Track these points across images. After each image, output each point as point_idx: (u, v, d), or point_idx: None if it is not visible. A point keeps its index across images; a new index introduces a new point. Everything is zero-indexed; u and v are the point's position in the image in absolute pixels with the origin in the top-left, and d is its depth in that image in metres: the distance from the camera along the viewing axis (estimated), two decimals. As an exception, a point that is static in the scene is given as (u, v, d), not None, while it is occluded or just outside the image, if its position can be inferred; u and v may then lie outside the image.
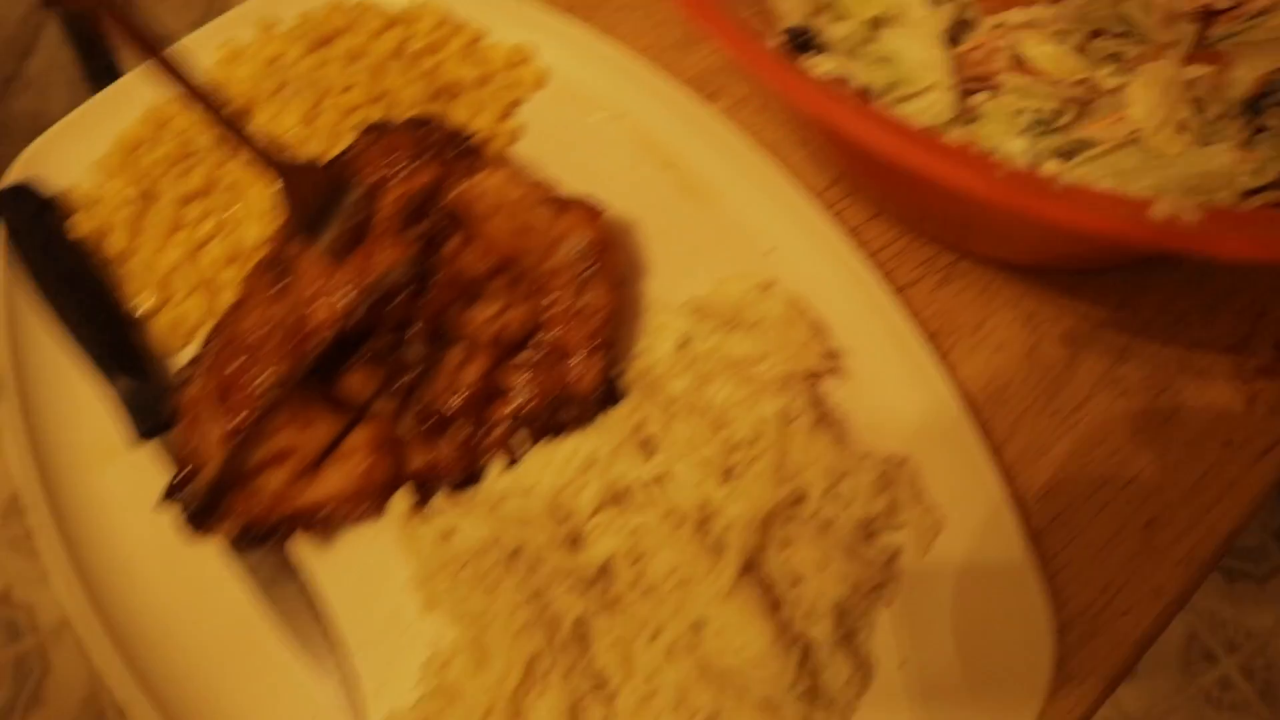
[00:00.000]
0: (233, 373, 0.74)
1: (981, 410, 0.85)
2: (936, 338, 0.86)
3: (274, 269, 0.76)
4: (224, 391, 0.74)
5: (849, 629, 0.76)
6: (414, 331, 0.78)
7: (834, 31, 0.84)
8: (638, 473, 0.75)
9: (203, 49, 1.00)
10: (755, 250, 0.90)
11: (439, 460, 0.80)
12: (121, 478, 0.85)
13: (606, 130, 0.96)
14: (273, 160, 0.72)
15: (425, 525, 0.76)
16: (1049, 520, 0.82)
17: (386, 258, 0.74)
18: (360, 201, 0.76)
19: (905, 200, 0.88)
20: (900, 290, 0.87)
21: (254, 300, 0.76)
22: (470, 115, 0.94)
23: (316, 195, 0.74)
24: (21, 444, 0.85)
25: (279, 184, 0.73)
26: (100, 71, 2.67)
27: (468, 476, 0.80)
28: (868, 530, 0.78)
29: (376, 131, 0.82)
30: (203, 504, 0.75)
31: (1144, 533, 0.82)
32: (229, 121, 0.71)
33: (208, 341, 0.79)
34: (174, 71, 0.72)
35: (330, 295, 0.74)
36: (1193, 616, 2.02)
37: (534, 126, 0.97)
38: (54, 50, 2.78)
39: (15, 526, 2.27)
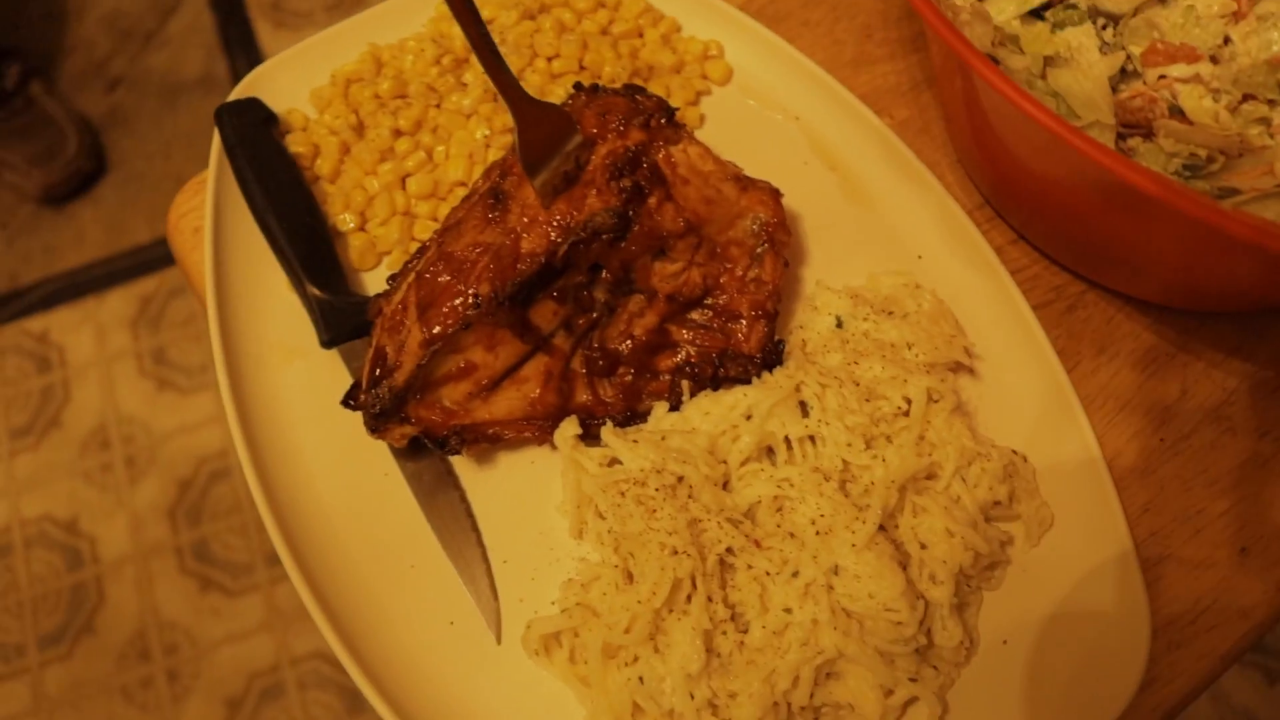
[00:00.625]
0: (440, 287, 0.82)
1: (1096, 428, 0.91)
2: (1061, 356, 0.93)
3: (492, 198, 0.83)
4: (428, 302, 0.82)
5: (962, 600, 0.83)
6: (603, 276, 0.85)
7: (1014, 63, 0.92)
8: (791, 429, 0.82)
9: (420, 6, 1.08)
10: (906, 253, 0.97)
11: (602, 399, 0.88)
12: (302, 377, 0.93)
13: (781, 129, 1.04)
14: (518, 95, 0.80)
15: (592, 450, 0.84)
16: (1147, 535, 0.89)
17: (595, 202, 0.82)
18: (579, 149, 0.84)
19: (1049, 226, 0.96)
20: (1033, 310, 0.94)
21: (469, 224, 0.83)
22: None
23: (544, 137, 0.81)
24: (214, 337, 0.92)
25: (516, 120, 0.80)
26: (236, 38, 2.79)
27: (628, 416, 0.87)
28: (988, 514, 0.85)
29: (587, 94, 0.90)
30: (390, 404, 0.82)
31: (1238, 558, 0.88)
32: (492, 47, 0.79)
33: (414, 258, 0.87)
34: None
35: (540, 230, 0.82)
36: (1227, 710, 2.05)
37: (715, 116, 1.06)
38: (196, 14, 2.90)
39: (91, 459, 2.35)
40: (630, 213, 0.83)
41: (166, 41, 2.87)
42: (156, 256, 2.57)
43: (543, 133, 0.82)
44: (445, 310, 0.81)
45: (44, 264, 2.59)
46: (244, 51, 2.79)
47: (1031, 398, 0.91)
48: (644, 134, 0.86)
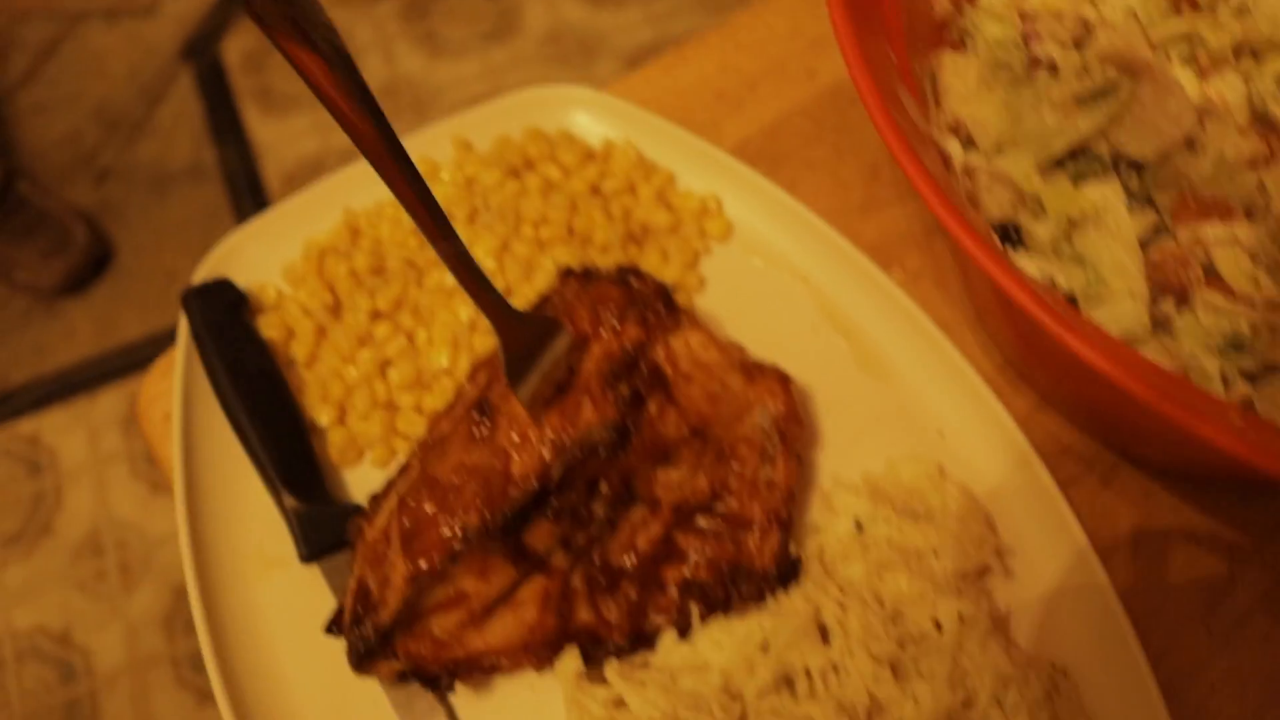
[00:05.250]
0: (424, 517, 0.75)
1: (1139, 620, 0.84)
2: (1095, 539, 0.86)
3: (478, 411, 0.77)
4: (412, 534, 0.75)
5: (1002, 837, 0.75)
6: (601, 490, 0.78)
7: (1037, 229, 0.85)
8: (812, 660, 0.75)
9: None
10: (926, 430, 0.90)
11: (604, 619, 0.81)
12: (281, 591, 0.86)
13: (787, 291, 0.97)
14: (500, 309, 0.72)
15: (597, 690, 0.76)
16: (1204, 743, 0.82)
17: (590, 415, 0.75)
18: (570, 351, 0.77)
19: (1073, 398, 0.88)
20: (1061, 486, 0.87)
21: (454, 443, 0.77)
22: (659, 262, 0.95)
23: (530, 343, 0.74)
24: (184, 542, 0.86)
25: (500, 336, 0.73)
26: (225, 125, 2.74)
27: (635, 639, 0.80)
28: (1029, 740, 0.78)
29: (579, 279, 0.83)
30: (376, 644, 0.76)
31: (1303, 769, 0.81)
32: (469, 260, 0.68)
33: (398, 475, 0.80)
34: (407, 179, 0.60)
35: (531, 449, 0.75)
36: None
37: (716, 278, 0.98)
38: (184, 101, 2.85)
39: (85, 567, 2.28)
40: (629, 424, 0.76)
41: (154, 131, 2.81)
42: (148, 355, 2.51)
43: (528, 339, 0.74)
44: (430, 543, 0.74)
45: (33, 364, 2.53)
46: (233, 138, 2.73)
47: (1070, 596, 0.83)
48: (641, 329, 0.79)
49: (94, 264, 2.61)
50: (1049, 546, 0.85)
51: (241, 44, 2.95)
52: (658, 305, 0.81)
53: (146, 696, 2.15)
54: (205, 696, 2.15)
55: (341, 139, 2.62)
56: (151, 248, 2.66)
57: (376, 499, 0.80)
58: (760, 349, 0.89)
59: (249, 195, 2.61)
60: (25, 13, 2.93)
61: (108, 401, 2.46)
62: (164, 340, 2.52)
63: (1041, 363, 0.88)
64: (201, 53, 2.91)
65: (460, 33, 2.96)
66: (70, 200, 2.66)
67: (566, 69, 2.86)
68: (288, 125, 2.78)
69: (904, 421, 0.91)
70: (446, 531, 0.74)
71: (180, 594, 2.24)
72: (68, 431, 2.44)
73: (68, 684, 2.18)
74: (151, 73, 2.90)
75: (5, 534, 2.33)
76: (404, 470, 0.80)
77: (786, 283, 0.97)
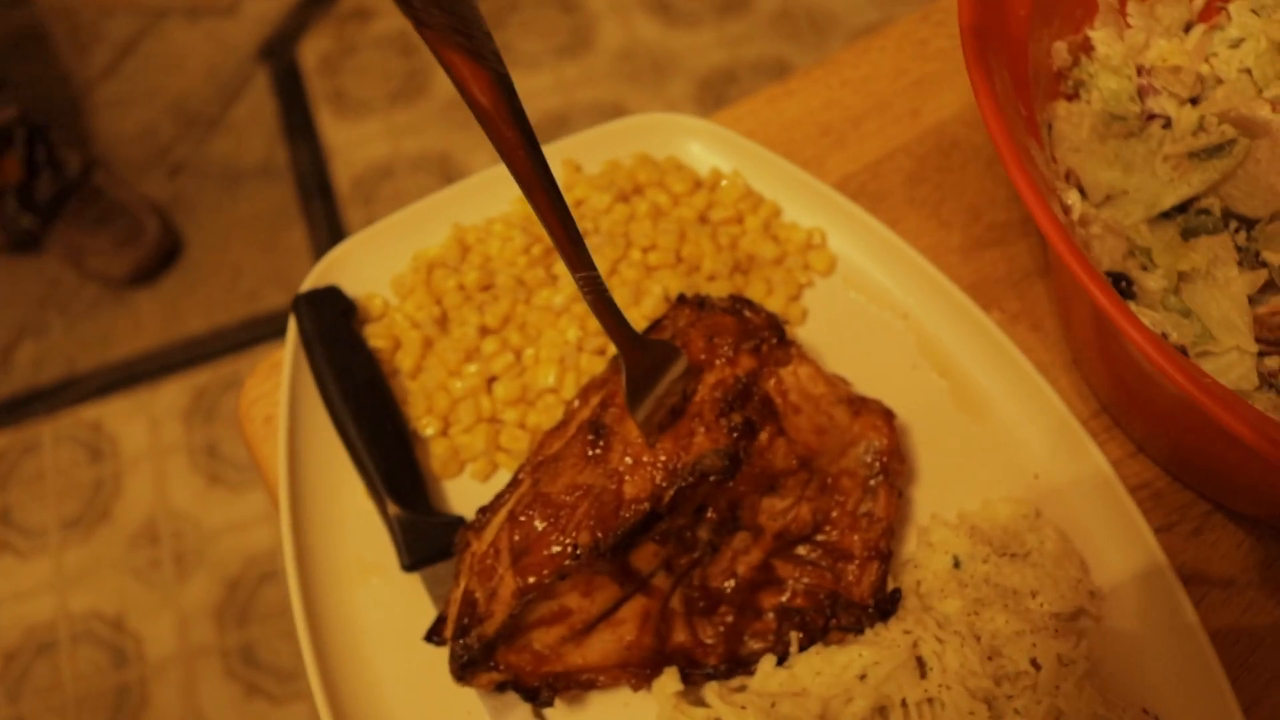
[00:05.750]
0: (535, 533, 0.76)
1: (1230, 670, 0.84)
2: (1188, 586, 0.86)
3: (592, 433, 0.78)
4: (522, 549, 0.76)
5: None
6: (708, 516, 0.79)
7: (1146, 281, 0.85)
8: (909, 693, 0.76)
9: (504, 182, 1.03)
10: (1022, 472, 0.91)
11: (700, 641, 0.82)
12: (380, 596, 0.88)
13: (887, 327, 0.98)
14: (623, 331, 0.73)
15: (694, 710, 0.78)
16: (1291, 799, 0.82)
17: (703, 442, 0.77)
18: (685, 377, 0.78)
19: (1172, 447, 0.89)
20: (1154, 533, 0.87)
21: (567, 462, 0.78)
22: (763, 293, 0.96)
23: (646, 369, 0.76)
24: (287, 544, 0.87)
25: (625, 363, 0.74)
26: (298, 126, 2.78)
27: (731, 662, 0.81)
28: (1121, 788, 0.78)
29: (692, 307, 0.85)
30: (479, 654, 0.77)
31: (1393, 830, 0.81)
32: (598, 282, 0.68)
33: (507, 490, 0.81)
34: (549, 195, 0.60)
35: (644, 472, 0.76)
36: None
37: (817, 311, 1.00)
38: (259, 100, 2.90)
39: (141, 555, 2.31)
40: (741, 452, 0.77)
41: (229, 128, 2.86)
42: (212, 349, 2.55)
43: (648, 364, 0.76)
44: (541, 559, 0.75)
45: (100, 351, 2.57)
46: (305, 139, 2.77)
47: (1159, 643, 0.84)
48: (754, 360, 0.81)
49: (163, 256, 2.67)
50: (1141, 591, 0.85)
51: (318, 47, 3.00)
52: (770, 337, 0.83)
53: (195, 686, 2.18)
54: (253, 689, 2.18)
55: (410, 147, 2.68)
56: (220, 243, 2.70)
57: (484, 512, 0.82)
58: (859, 383, 0.90)
59: (318, 196, 2.65)
60: (110, 8, 2.98)
61: (170, 393, 2.50)
62: (228, 335, 2.56)
63: (1141, 409, 0.89)
64: (279, 54, 2.96)
65: (534, 46, 2.99)
66: (144, 192, 2.71)
67: (637, 88, 2.88)
68: (359, 129, 2.83)
69: (1000, 462, 0.92)
70: (558, 549, 0.75)
71: (232, 587, 2.28)
72: (130, 420, 2.48)
73: (119, 669, 2.21)
74: (229, 71, 2.95)
75: (66, 517, 2.37)
76: (513, 485, 0.81)
77: (887, 319, 0.99)
